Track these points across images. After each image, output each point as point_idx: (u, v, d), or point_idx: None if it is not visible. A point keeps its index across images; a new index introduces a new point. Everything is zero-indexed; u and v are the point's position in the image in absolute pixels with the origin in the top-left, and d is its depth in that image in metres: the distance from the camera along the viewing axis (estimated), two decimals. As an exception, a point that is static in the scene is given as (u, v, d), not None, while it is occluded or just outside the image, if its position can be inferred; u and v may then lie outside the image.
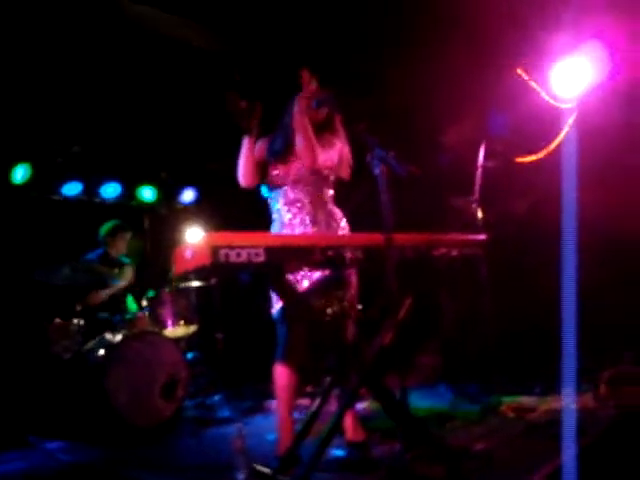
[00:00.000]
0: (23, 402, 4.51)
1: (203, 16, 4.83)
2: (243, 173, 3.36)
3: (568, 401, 3.52)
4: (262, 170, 3.40)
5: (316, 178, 3.31)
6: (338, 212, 3.38)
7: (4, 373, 4.75)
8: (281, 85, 3.49)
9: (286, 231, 3.26)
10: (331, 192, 3.39)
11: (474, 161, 4.60)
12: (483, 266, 4.05)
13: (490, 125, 5.05)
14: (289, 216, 3.31)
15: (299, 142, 3.23)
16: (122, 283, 5.12)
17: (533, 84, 4.83)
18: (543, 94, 4.80)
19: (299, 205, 3.30)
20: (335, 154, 3.36)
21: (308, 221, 3.26)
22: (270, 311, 3.33)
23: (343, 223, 3.36)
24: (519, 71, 4.85)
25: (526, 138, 4.97)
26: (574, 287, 3.16)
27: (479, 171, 4.58)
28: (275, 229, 3.35)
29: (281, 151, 3.35)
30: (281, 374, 3.23)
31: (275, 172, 3.35)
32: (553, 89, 4.77)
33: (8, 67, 4.61)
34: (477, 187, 4.53)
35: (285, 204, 3.32)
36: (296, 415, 3.32)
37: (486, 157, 4.64)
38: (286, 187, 3.33)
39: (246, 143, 3.34)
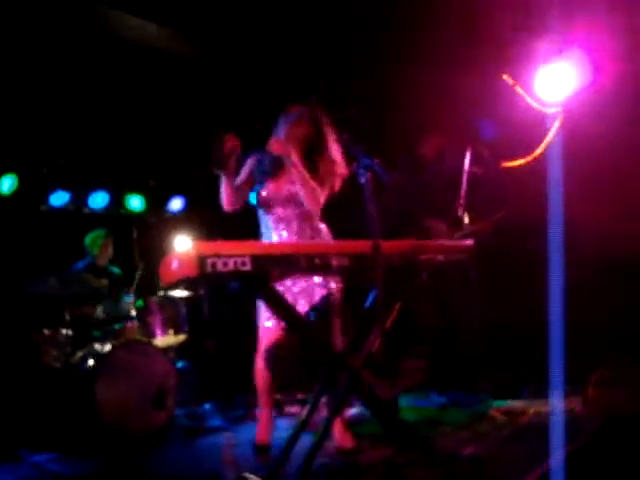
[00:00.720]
0: (13, 414, 4.48)
1: (185, 25, 4.84)
2: (226, 202, 3.45)
3: (556, 405, 3.54)
4: (248, 187, 3.50)
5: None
6: (324, 227, 3.46)
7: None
8: (267, 97, 3.53)
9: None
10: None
11: (457, 168, 4.62)
12: (472, 271, 4.06)
13: (477, 130, 5.08)
14: (277, 234, 3.42)
15: (302, 193, 3.31)
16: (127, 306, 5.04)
17: (518, 89, 4.86)
18: (528, 99, 4.84)
19: (287, 222, 3.40)
20: (328, 183, 3.43)
21: (295, 239, 3.37)
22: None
23: (328, 238, 3.45)
24: (504, 77, 4.89)
25: (512, 143, 5.00)
26: (561, 290, 3.19)
27: (465, 177, 4.60)
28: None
29: (270, 173, 3.44)
30: (258, 369, 3.49)
31: (264, 193, 3.43)
32: (538, 94, 4.80)
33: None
34: (463, 192, 4.55)
35: (274, 221, 3.42)
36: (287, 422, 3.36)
37: (472, 162, 4.66)
38: (276, 206, 3.42)
39: (224, 179, 3.39)
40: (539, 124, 4.76)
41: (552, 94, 4.73)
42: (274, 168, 3.43)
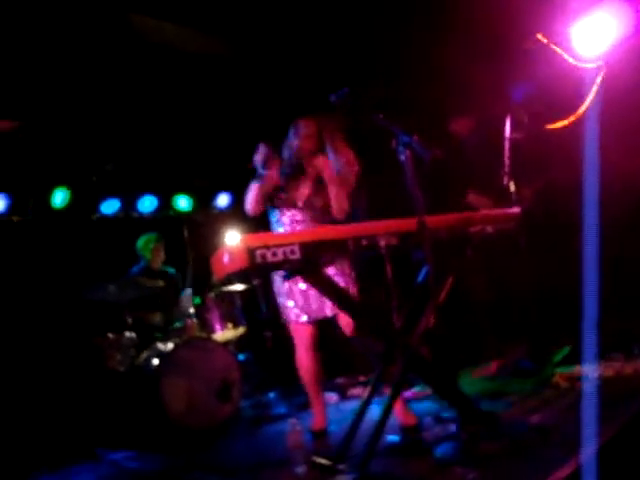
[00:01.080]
0: (87, 417, 4.65)
1: (220, 26, 4.89)
2: (254, 207, 3.60)
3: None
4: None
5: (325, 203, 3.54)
6: None
7: (65, 390, 4.92)
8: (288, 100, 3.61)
9: None
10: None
11: (498, 137, 4.54)
12: (521, 239, 4.01)
13: (513, 96, 4.97)
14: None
15: (333, 204, 3.49)
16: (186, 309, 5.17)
17: (554, 47, 4.71)
18: (566, 56, 4.69)
19: (302, 224, 3.52)
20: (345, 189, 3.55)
21: None
22: None
23: None
24: (539, 36, 4.75)
25: (552, 104, 4.88)
26: (595, 258, 3.12)
27: (507, 144, 4.52)
28: None
29: (292, 176, 3.56)
30: (299, 361, 3.63)
31: (284, 195, 3.56)
32: (576, 50, 4.63)
33: (36, 97, 4.73)
34: (507, 160, 4.48)
35: (291, 223, 3.54)
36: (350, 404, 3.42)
37: (513, 129, 4.58)
38: (294, 210, 3.55)
39: (259, 184, 3.54)
40: (579, 82, 4.62)
41: (590, 48, 4.55)
42: (296, 173, 3.55)
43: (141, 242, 5.57)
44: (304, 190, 3.54)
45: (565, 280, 4.33)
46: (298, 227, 3.52)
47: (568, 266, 4.01)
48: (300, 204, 3.54)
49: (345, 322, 3.41)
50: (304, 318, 3.52)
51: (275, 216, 3.63)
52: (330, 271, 3.36)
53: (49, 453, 4.36)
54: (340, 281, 3.37)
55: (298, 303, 3.50)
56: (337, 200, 3.47)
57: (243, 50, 5.20)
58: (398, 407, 3.28)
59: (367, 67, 5.13)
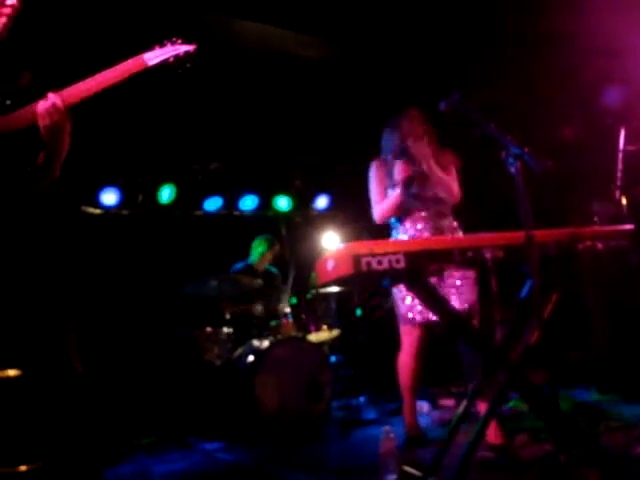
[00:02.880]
0: (182, 407, 4.82)
1: (315, 28, 4.95)
2: (389, 214, 3.56)
3: None
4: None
5: (436, 194, 3.49)
6: (455, 223, 3.51)
7: (163, 381, 5.12)
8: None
9: None
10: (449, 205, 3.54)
11: (611, 149, 4.34)
12: (633, 257, 3.82)
13: (607, 98, 4.75)
14: (417, 234, 3.49)
15: (439, 187, 3.44)
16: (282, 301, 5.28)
17: None
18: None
19: (427, 221, 3.48)
20: (454, 173, 3.53)
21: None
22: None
23: (460, 234, 3.51)
24: None
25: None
26: None
27: (620, 156, 4.32)
28: None
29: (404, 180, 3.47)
30: (403, 364, 3.58)
31: (406, 197, 3.49)
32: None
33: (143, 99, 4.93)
34: (620, 173, 4.28)
35: (414, 221, 3.50)
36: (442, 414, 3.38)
37: (627, 140, 4.36)
38: (413, 208, 3.50)
39: (395, 196, 3.48)
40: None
41: None
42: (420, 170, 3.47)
43: (255, 243, 5.71)
44: (429, 187, 3.50)
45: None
46: (419, 224, 3.49)
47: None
48: (419, 201, 3.49)
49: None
50: (418, 318, 3.47)
51: (398, 222, 3.60)
52: (455, 278, 3.33)
53: (145, 437, 4.57)
54: (465, 291, 3.35)
55: (415, 301, 3.46)
56: (448, 184, 3.44)
57: (345, 52, 5.24)
58: (490, 425, 3.20)
59: (468, 73, 5.06)
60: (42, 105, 2.17)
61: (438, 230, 3.45)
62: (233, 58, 4.99)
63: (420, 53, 5.14)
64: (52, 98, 2.18)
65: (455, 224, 3.55)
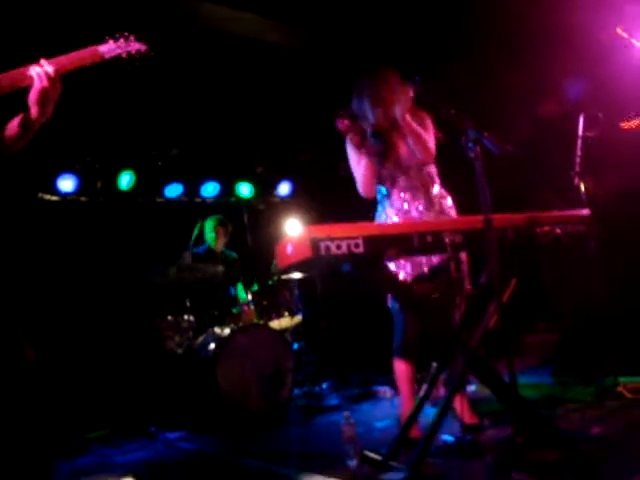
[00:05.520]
0: (143, 396, 4.77)
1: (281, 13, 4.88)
2: (368, 188, 3.38)
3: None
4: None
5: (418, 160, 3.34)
6: (444, 191, 3.39)
7: (124, 369, 5.05)
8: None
9: (401, 216, 3.30)
10: (434, 169, 3.41)
11: (571, 133, 4.39)
12: (591, 242, 3.87)
13: (569, 91, 4.80)
14: (404, 204, 3.33)
15: (413, 144, 3.27)
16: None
17: (634, 42, 4.51)
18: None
19: (413, 191, 3.32)
20: (430, 131, 3.37)
21: (422, 208, 3.30)
22: (385, 301, 3.39)
23: (450, 202, 3.39)
24: (618, 30, 4.56)
25: (628, 102, 4.68)
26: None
27: (579, 142, 4.36)
28: (383, 217, 3.39)
29: (383, 149, 3.34)
30: (399, 366, 3.34)
31: (385, 170, 3.36)
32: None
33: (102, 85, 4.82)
34: (578, 159, 4.32)
35: (400, 190, 3.34)
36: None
37: (586, 126, 4.41)
38: (398, 177, 3.35)
39: (364, 160, 3.33)
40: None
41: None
42: (384, 144, 3.33)
43: (205, 224, 5.61)
44: (403, 149, 3.35)
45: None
46: (407, 195, 3.32)
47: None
48: (404, 169, 3.34)
49: None
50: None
51: (384, 192, 3.41)
52: (435, 259, 3.20)
53: (105, 425, 4.51)
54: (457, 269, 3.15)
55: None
56: (422, 141, 3.27)
57: (312, 42, 5.19)
58: (463, 406, 3.23)
59: (445, 50, 5.04)
60: (35, 69, 2.16)
61: (426, 199, 3.31)
62: (196, 42, 4.90)
63: (393, 33, 5.08)
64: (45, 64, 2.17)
65: (443, 190, 3.41)
